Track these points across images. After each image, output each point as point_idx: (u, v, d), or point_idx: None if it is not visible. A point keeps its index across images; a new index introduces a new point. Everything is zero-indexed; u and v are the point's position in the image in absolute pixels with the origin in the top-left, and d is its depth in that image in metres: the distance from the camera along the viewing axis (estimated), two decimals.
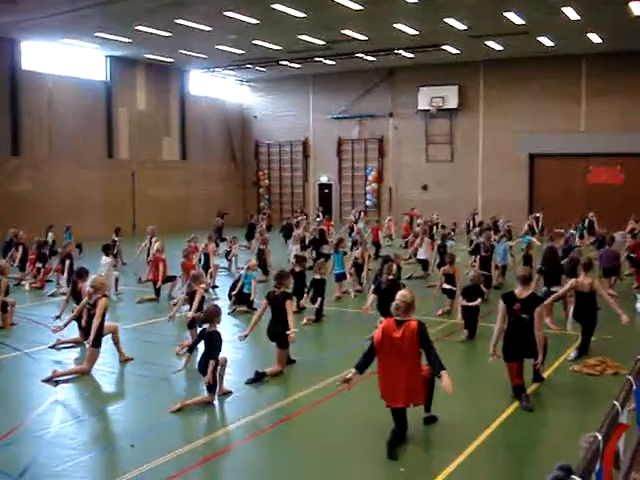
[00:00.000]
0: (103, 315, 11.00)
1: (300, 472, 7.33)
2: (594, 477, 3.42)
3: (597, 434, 3.58)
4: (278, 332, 10.73)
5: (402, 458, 7.49)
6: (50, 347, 12.29)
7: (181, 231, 29.53)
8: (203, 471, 7.37)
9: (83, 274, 13.10)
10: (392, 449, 7.60)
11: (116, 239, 22.60)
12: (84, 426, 8.63)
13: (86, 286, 12.72)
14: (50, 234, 23.14)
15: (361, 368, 7.91)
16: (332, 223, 32.10)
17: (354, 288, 17.55)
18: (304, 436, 8.40)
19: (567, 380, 10.45)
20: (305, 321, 14.34)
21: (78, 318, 12.32)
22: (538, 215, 30.30)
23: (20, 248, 20.45)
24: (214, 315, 9.56)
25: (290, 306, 10.89)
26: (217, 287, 18.68)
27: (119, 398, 9.95)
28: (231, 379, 10.10)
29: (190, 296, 12.26)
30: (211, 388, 9.35)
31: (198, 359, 9.58)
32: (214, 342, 9.43)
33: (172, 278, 17.47)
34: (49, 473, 7.15)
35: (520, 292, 9.30)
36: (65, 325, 12.23)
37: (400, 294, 7.93)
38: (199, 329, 10.01)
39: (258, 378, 10.30)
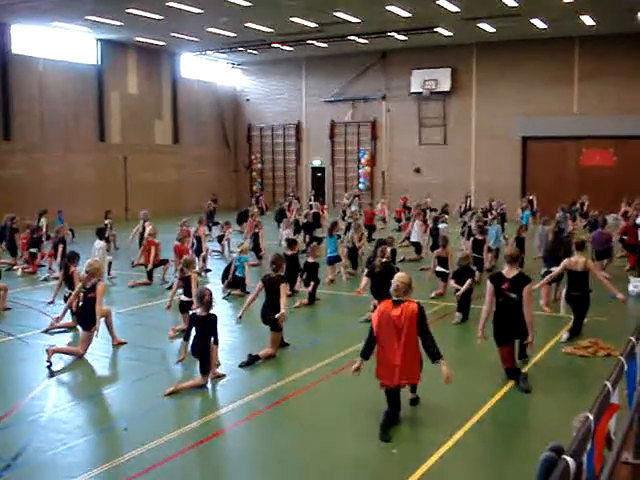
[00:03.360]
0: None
1: (293, 454, 7.36)
2: (585, 457, 3.44)
3: (588, 414, 3.60)
4: (271, 315, 10.75)
5: (395, 440, 7.52)
6: (43, 332, 12.28)
7: (173, 215, 29.49)
8: (197, 454, 7.40)
9: (74, 258, 13.03)
10: (385, 431, 7.64)
11: (107, 222, 22.49)
12: (78, 410, 8.65)
13: (78, 270, 12.74)
14: (43, 219, 23.04)
15: (366, 355, 7.94)
16: (326, 207, 32.15)
17: (346, 271, 17.59)
18: (297, 418, 8.43)
19: (559, 361, 10.50)
20: (297, 304, 14.36)
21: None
22: (531, 198, 30.33)
23: (15, 234, 20.29)
24: (207, 298, 9.55)
25: (284, 289, 10.92)
26: (210, 271, 18.66)
27: (112, 382, 9.96)
28: (225, 362, 10.10)
29: (184, 281, 12.21)
30: (205, 371, 9.36)
31: (191, 343, 9.57)
32: (211, 325, 9.44)
33: (164, 262, 17.44)
34: (43, 457, 7.16)
35: (507, 272, 9.33)
36: (63, 314, 12.23)
37: (398, 276, 8.07)
38: (190, 313, 9.99)
39: (251, 361, 10.33)
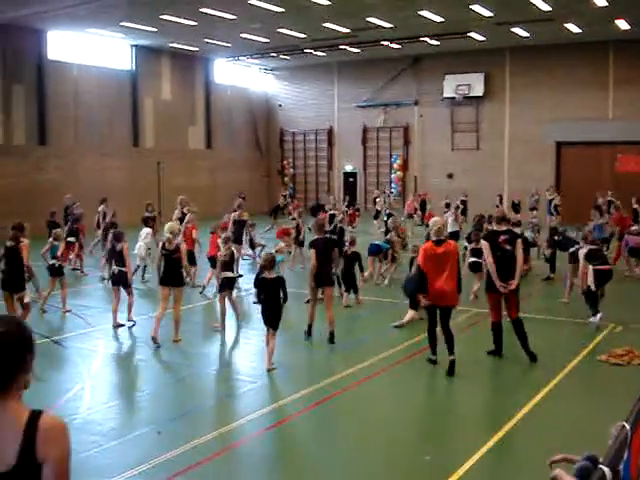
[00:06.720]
0: None
1: (326, 457, 7.36)
2: (622, 467, 3.40)
3: (625, 423, 3.55)
4: (331, 272, 11.65)
5: (426, 447, 7.48)
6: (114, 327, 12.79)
7: (207, 219, 29.62)
8: (230, 457, 7.42)
9: (120, 237, 13.41)
10: (433, 348, 9.90)
11: (150, 214, 23.23)
12: (112, 412, 8.71)
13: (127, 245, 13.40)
14: (101, 206, 23.48)
15: (423, 289, 9.77)
16: (358, 213, 32.13)
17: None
18: (332, 423, 8.43)
19: (593, 369, 10.38)
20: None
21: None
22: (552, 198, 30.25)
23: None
24: (272, 262, 10.22)
25: (337, 253, 12.20)
26: (241, 276, 18.68)
27: (146, 384, 10.03)
28: (257, 367, 10.13)
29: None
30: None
31: (262, 310, 10.19)
32: (280, 285, 10.04)
33: (193, 263, 17.37)
34: (76, 459, 7.11)
35: (498, 228, 10.45)
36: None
37: (434, 220, 10.17)
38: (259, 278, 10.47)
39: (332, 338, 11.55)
